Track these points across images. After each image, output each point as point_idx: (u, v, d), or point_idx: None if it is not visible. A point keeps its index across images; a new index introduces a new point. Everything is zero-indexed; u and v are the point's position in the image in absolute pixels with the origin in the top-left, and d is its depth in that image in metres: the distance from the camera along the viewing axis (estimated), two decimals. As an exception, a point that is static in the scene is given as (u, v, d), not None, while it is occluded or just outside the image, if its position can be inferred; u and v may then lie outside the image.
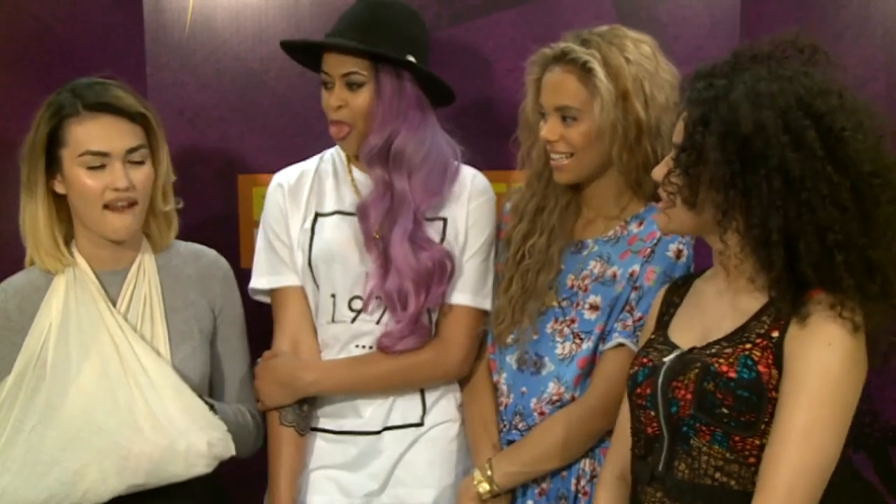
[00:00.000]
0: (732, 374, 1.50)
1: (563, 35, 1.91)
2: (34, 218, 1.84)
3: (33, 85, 2.44)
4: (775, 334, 1.51)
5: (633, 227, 1.94)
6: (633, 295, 1.89)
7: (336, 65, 1.95)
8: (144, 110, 1.85)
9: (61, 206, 1.87)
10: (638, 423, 1.64)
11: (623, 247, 1.93)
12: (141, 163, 1.84)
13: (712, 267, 1.67)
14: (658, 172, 1.60)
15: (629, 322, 1.88)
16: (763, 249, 1.49)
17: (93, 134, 1.79)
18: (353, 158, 2.07)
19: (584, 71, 1.84)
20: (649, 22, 2.29)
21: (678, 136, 1.57)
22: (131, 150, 1.82)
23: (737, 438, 1.51)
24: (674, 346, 1.63)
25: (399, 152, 1.96)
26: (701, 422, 1.53)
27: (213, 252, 2.03)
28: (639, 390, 1.62)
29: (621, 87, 1.83)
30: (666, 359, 1.61)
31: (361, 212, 1.98)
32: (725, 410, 1.50)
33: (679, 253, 1.88)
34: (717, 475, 1.53)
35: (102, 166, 1.80)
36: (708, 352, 1.56)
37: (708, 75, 1.56)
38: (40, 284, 1.87)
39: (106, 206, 1.81)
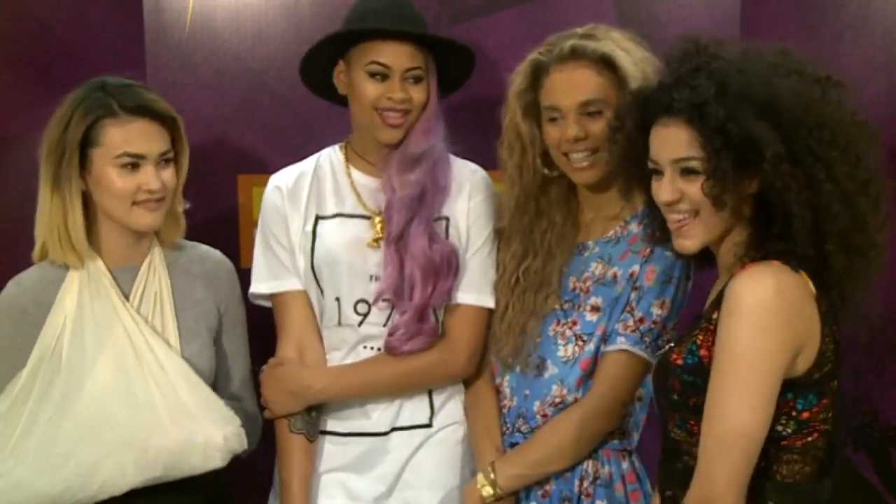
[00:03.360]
0: (679, 362, 1.57)
1: (547, 39, 1.91)
2: (63, 214, 1.84)
3: (33, 85, 2.44)
4: (715, 316, 1.54)
5: (633, 227, 1.94)
6: (633, 295, 1.88)
7: (399, 58, 1.92)
8: (175, 115, 1.88)
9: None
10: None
11: (623, 247, 1.93)
12: (169, 162, 1.88)
13: None
14: (669, 194, 1.58)
15: (630, 323, 1.88)
16: (836, 202, 1.49)
17: (131, 136, 1.82)
18: (354, 158, 2.06)
19: (603, 63, 1.84)
20: (649, 22, 2.29)
21: (678, 149, 1.56)
22: (163, 153, 1.86)
23: (692, 422, 1.55)
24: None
25: (430, 151, 1.97)
26: (665, 410, 1.61)
27: (218, 252, 2.05)
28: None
29: (639, 72, 1.83)
30: (658, 353, 1.69)
31: (388, 213, 1.97)
32: (676, 396, 1.57)
33: (678, 252, 1.88)
34: (685, 458, 1.57)
35: (136, 167, 1.83)
36: (676, 344, 1.63)
37: (670, 87, 1.57)
38: (54, 278, 1.88)
39: (135, 203, 1.84)
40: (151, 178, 1.83)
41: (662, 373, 1.61)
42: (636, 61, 1.84)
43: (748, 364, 1.45)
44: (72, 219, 1.83)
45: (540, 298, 1.96)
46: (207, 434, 1.83)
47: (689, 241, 1.60)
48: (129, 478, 1.79)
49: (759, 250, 1.54)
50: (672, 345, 1.65)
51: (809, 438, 1.53)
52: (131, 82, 1.88)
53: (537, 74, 1.92)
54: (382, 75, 1.93)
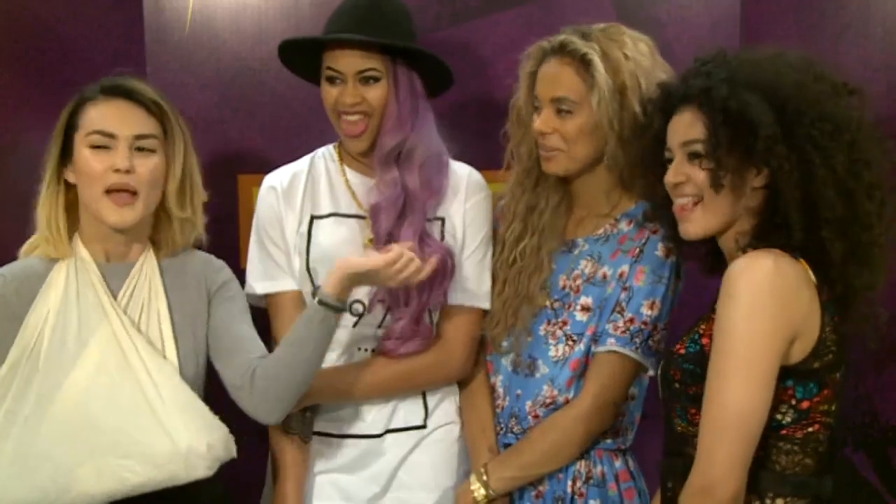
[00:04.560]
0: (682, 351, 1.58)
1: (561, 29, 1.92)
2: (43, 204, 1.84)
3: (33, 85, 2.44)
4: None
5: (623, 226, 1.94)
6: (623, 295, 1.89)
7: (349, 61, 1.92)
8: (163, 103, 1.84)
9: (72, 197, 1.86)
10: None
11: (613, 246, 1.93)
12: (151, 152, 1.82)
13: None
14: (675, 176, 1.62)
15: (620, 323, 1.88)
16: (827, 189, 1.51)
17: (104, 115, 1.80)
18: (348, 158, 2.06)
19: (583, 63, 1.85)
20: (649, 22, 2.29)
21: (686, 132, 1.59)
22: (140, 137, 1.80)
23: (692, 411, 1.55)
24: None
25: (411, 150, 1.95)
26: (668, 400, 1.61)
27: (212, 257, 1.99)
28: None
29: (619, 82, 1.83)
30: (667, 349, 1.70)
31: (374, 214, 1.96)
32: (677, 385, 1.58)
33: (668, 251, 1.88)
34: (686, 448, 1.58)
35: (108, 148, 1.79)
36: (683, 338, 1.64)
37: (690, 77, 1.62)
38: (40, 271, 1.84)
39: (107, 192, 1.79)
40: (121, 158, 1.77)
41: (666, 364, 1.63)
42: (627, 69, 1.83)
43: (744, 345, 1.45)
44: (48, 207, 1.82)
45: (533, 283, 1.96)
46: (190, 442, 1.74)
47: (692, 225, 1.62)
48: (107, 485, 1.70)
49: (762, 240, 1.55)
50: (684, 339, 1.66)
51: (810, 429, 1.54)
52: (129, 75, 1.86)
53: (542, 60, 1.93)
54: (339, 79, 1.93)
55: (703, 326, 1.58)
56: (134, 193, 1.80)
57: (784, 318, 1.47)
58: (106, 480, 1.71)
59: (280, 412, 1.84)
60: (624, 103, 1.83)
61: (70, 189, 1.85)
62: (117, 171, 1.77)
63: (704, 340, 1.56)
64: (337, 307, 1.80)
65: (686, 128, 1.60)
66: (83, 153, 1.80)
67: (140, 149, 1.81)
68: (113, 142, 1.79)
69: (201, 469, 1.76)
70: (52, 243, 1.83)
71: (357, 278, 1.81)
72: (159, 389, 1.78)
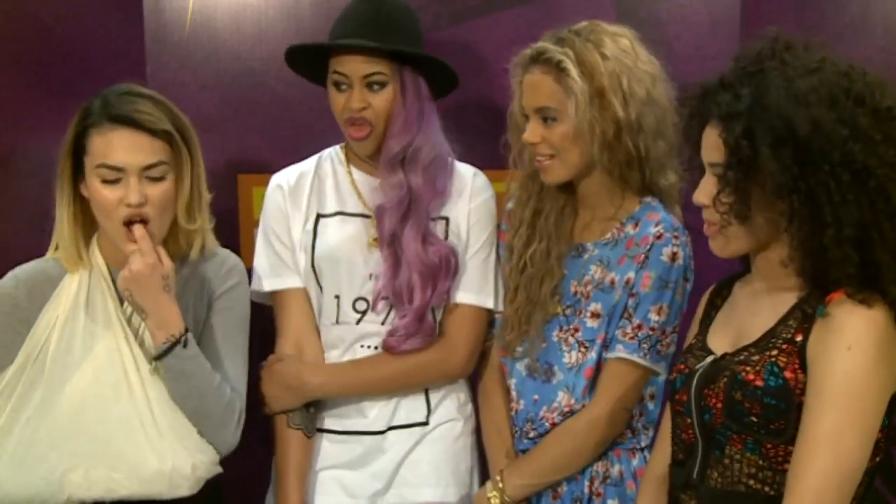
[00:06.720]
0: (759, 383, 1.50)
1: (543, 34, 1.91)
2: (60, 219, 1.84)
3: (33, 85, 2.44)
4: (799, 338, 1.50)
5: (629, 229, 1.93)
6: (631, 302, 1.88)
7: (355, 66, 1.93)
8: (170, 128, 1.79)
9: (87, 206, 1.85)
10: (677, 429, 1.65)
11: (621, 251, 1.92)
12: (160, 179, 1.80)
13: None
14: (703, 196, 1.55)
15: (628, 329, 1.88)
16: (836, 248, 1.44)
17: (110, 147, 1.76)
18: (354, 158, 2.07)
19: (559, 70, 1.83)
20: (649, 21, 2.29)
21: (713, 153, 1.53)
22: (148, 167, 1.78)
23: (769, 446, 1.50)
24: (709, 352, 1.62)
25: (416, 152, 1.97)
26: (732, 430, 1.53)
27: (226, 252, 1.98)
28: (677, 397, 1.63)
29: (596, 85, 1.81)
30: (699, 365, 1.61)
31: (379, 215, 1.98)
32: (754, 419, 1.50)
33: (674, 256, 1.86)
34: (751, 482, 1.52)
35: (117, 180, 1.77)
36: (737, 359, 1.55)
37: (725, 87, 1.52)
38: (54, 274, 1.85)
39: (125, 224, 1.77)
40: (132, 191, 1.75)
41: (731, 392, 1.53)
42: (606, 70, 1.81)
43: (865, 401, 1.43)
44: (66, 224, 1.82)
45: (545, 288, 1.95)
46: (176, 462, 1.77)
47: (717, 247, 1.59)
48: (96, 492, 1.75)
49: (825, 273, 1.48)
50: (711, 357, 1.59)
51: (877, 459, 1.52)
52: (135, 91, 1.82)
53: (525, 69, 1.91)
54: (345, 84, 1.94)
55: (783, 360, 1.50)
56: (144, 222, 1.78)
57: (894, 371, 1.46)
58: (95, 488, 1.76)
59: (222, 446, 1.84)
60: (603, 105, 1.82)
61: (85, 199, 1.84)
62: (129, 204, 1.77)
63: (788, 374, 1.48)
64: (163, 350, 1.79)
65: (711, 148, 1.53)
66: (93, 183, 1.79)
67: (149, 177, 1.79)
68: (122, 174, 1.77)
69: (184, 489, 1.79)
70: (71, 260, 1.84)
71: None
72: (152, 407, 1.80)
